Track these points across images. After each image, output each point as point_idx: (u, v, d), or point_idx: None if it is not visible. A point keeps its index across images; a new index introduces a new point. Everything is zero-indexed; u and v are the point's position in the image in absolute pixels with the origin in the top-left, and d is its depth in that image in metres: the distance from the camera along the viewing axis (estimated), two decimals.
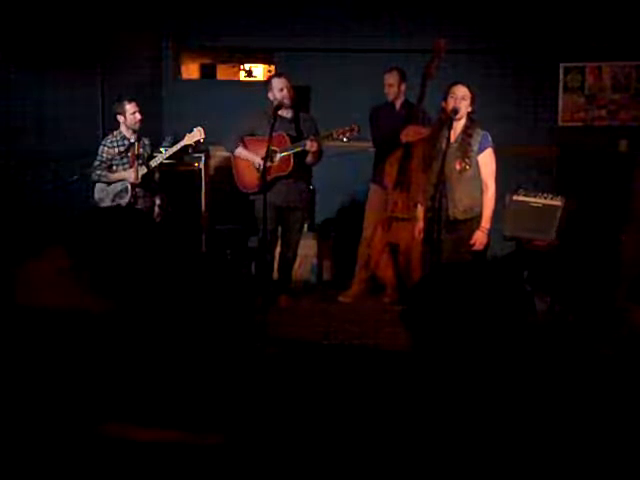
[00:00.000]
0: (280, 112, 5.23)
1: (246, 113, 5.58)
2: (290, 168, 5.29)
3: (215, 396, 1.48)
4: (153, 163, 5.58)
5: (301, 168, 5.39)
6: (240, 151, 5.47)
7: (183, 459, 1.39)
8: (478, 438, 1.47)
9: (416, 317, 1.60)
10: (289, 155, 5.25)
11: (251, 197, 5.50)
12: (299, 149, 5.24)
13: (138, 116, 5.47)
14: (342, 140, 5.22)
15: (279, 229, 5.54)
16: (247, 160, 5.42)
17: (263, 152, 5.20)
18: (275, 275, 5.69)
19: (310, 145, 5.20)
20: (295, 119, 5.42)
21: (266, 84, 5.48)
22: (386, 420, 1.53)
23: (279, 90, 5.28)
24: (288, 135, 5.29)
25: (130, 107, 5.47)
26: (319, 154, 5.38)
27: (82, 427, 1.45)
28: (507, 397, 1.52)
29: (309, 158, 5.36)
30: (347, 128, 5.15)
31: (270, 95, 5.34)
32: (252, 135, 5.45)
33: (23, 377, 1.60)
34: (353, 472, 1.45)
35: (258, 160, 5.27)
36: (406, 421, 1.52)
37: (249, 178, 5.43)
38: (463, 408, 1.51)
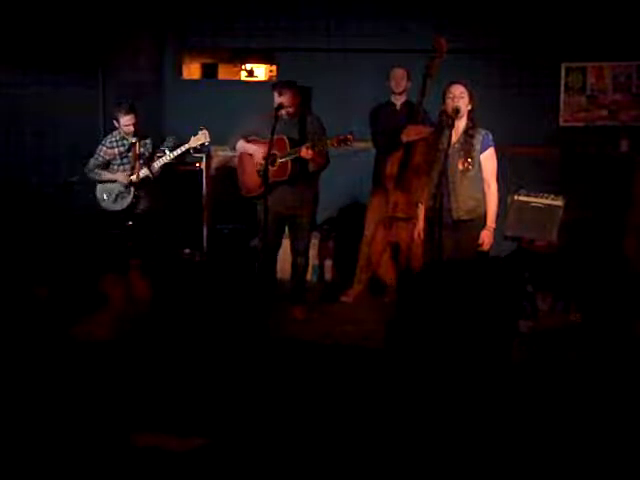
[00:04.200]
0: (282, 113, 4.98)
1: (251, 114, 5.33)
2: (288, 174, 5.04)
3: (218, 399, 1.48)
4: (156, 165, 5.55)
5: (303, 175, 5.14)
6: (242, 144, 5.24)
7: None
8: (476, 437, 1.47)
9: (411, 320, 1.60)
10: (286, 161, 5.01)
11: (253, 200, 5.28)
12: (294, 156, 4.98)
13: (131, 128, 5.44)
14: (335, 148, 4.97)
15: (282, 235, 5.34)
16: (250, 157, 5.19)
17: (263, 153, 5.02)
18: (279, 275, 5.63)
19: (305, 152, 4.94)
20: (300, 121, 5.17)
21: (273, 87, 5.17)
22: (385, 420, 1.53)
23: (283, 108, 4.97)
24: (289, 138, 5.04)
25: (124, 120, 5.43)
26: (324, 162, 5.15)
27: (115, 437, 1.45)
28: (505, 397, 1.52)
29: (310, 165, 5.11)
30: (341, 137, 4.89)
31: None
32: (256, 136, 5.20)
33: (58, 390, 1.60)
34: (351, 470, 1.45)
35: (261, 151, 5.04)
36: (406, 421, 1.52)
37: (251, 181, 5.22)
38: (461, 408, 1.51)
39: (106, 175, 5.55)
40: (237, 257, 6.36)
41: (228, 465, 1.41)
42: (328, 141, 4.97)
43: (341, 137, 4.91)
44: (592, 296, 5.26)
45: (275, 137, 4.84)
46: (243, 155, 5.31)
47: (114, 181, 5.53)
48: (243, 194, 5.34)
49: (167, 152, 5.64)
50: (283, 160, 5.02)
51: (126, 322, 1.80)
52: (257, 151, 5.15)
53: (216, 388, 1.46)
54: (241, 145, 5.27)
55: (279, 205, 5.02)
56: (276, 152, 4.97)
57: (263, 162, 4.95)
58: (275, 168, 4.96)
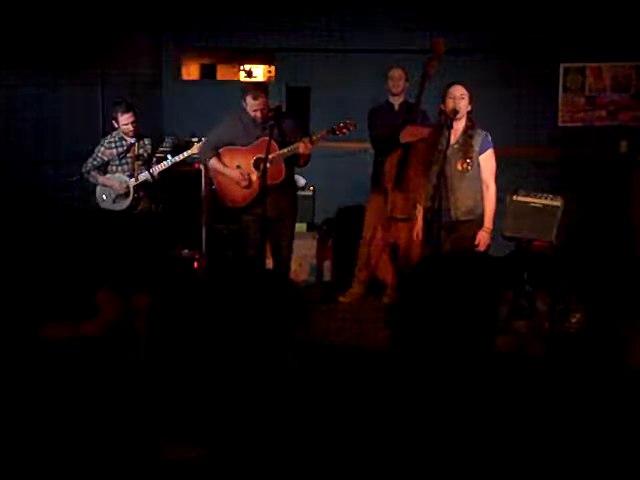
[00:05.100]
0: (258, 115, 4.90)
1: (221, 120, 5.18)
2: (283, 176, 4.93)
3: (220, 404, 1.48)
4: (156, 170, 5.52)
5: (290, 175, 5.10)
6: (214, 164, 5.11)
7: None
8: (474, 438, 1.47)
9: (405, 316, 1.60)
10: (280, 162, 4.89)
11: (246, 210, 5.11)
12: (293, 151, 4.89)
13: (131, 127, 5.41)
14: (340, 136, 5.00)
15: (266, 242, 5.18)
16: (230, 170, 5.08)
17: (242, 163, 5.00)
18: None
19: (304, 147, 4.85)
20: (277, 123, 4.94)
21: (245, 91, 5.00)
22: (384, 422, 1.53)
23: (253, 111, 4.91)
24: (275, 141, 4.87)
25: (123, 119, 5.41)
26: (309, 157, 5.04)
27: (144, 450, 1.45)
28: (500, 398, 1.52)
29: (301, 161, 5.03)
30: (341, 124, 4.90)
31: (243, 103, 4.96)
32: (231, 144, 5.08)
33: (85, 402, 1.59)
34: (350, 473, 1.45)
35: (236, 174, 5.01)
36: (404, 423, 1.52)
37: (234, 191, 5.09)
38: (459, 409, 1.51)
39: (101, 179, 5.55)
40: (236, 257, 6.35)
41: (224, 471, 1.41)
42: (330, 130, 4.95)
43: (341, 124, 4.91)
44: (593, 297, 5.26)
45: (260, 140, 4.89)
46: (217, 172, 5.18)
47: (109, 186, 5.53)
48: (228, 206, 5.21)
49: (169, 157, 5.60)
50: (274, 154, 4.83)
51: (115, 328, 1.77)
52: (232, 167, 5.06)
53: (212, 390, 1.46)
54: (214, 166, 5.14)
55: (269, 210, 4.80)
56: (261, 155, 4.84)
57: (249, 173, 4.96)
58: (267, 172, 4.76)
